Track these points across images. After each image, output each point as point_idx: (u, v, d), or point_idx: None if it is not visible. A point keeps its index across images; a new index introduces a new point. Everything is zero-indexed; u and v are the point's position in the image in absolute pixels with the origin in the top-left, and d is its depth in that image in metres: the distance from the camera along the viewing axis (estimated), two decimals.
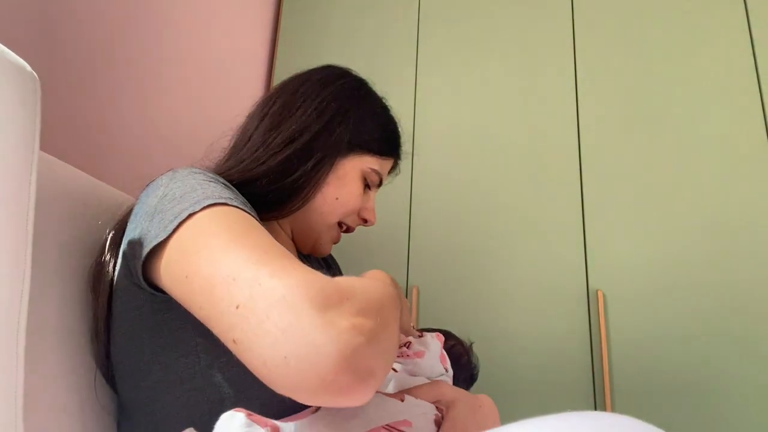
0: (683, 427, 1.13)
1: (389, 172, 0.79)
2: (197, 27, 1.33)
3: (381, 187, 0.80)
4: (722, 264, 1.22)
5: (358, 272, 0.91)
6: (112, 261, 0.55)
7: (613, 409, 1.18)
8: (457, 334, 0.84)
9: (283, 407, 0.48)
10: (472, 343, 0.86)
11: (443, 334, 0.74)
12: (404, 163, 1.43)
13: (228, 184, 0.56)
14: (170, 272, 0.45)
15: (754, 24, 1.34)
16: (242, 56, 1.57)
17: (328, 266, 0.88)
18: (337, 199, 0.69)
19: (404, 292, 1.38)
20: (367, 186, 0.73)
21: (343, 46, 1.65)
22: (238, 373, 0.50)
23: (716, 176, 1.28)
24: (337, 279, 0.42)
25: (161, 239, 0.46)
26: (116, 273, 0.54)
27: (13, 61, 0.43)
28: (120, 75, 1.04)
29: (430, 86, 1.54)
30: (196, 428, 0.45)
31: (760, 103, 1.29)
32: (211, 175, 0.55)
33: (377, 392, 0.53)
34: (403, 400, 0.52)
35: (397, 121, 0.77)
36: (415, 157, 1.48)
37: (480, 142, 1.47)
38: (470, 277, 1.36)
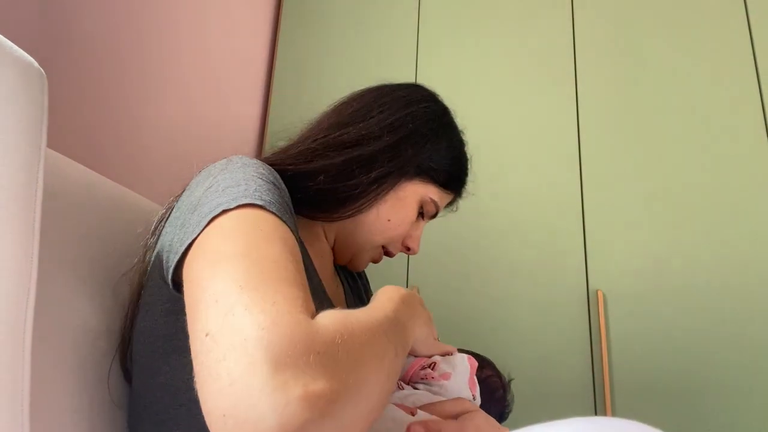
0: (683, 427, 1.14)
1: (446, 206, 0.77)
2: (199, 26, 1.33)
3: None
4: (722, 264, 1.22)
5: None
6: (150, 250, 0.54)
7: (613, 409, 1.18)
8: (495, 366, 0.79)
9: None
10: (511, 380, 0.80)
11: (480, 361, 0.69)
12: None
13: (278, 179, 0.55)
14: (186, 274, 0.44)
15: (754, 24, 1.35)
16: (244, 54, 1.57)
17: (359, 276, 0.86)
18: (389, 220, 0.67)
19: None
20: (420, 215, 0.71)
21: (343, 46, 1.65)
22: None
23: (716, 176, 1.28)
24: (322, 320, 0.37)
25: (194, 237, 0.45)
26: (150, 264, 0.53)
27: (21, 58, 0.42)
28: (125, 73, 1.04)
29: (430, 84, 1.54)
30: None
31: (760, 103, 1.30)
32: (265, 168, 0.54)
33: (391, 404, 0.51)
34: (414, 414, 0.51)
35: (469, 158, 0.76)
36: None
37: (480, 142, 1.47)
38: (470, 277, 1.36)
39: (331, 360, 0.34)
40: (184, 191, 0.56)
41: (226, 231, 0.43)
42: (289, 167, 0.61)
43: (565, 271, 1.31)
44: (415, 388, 0.58)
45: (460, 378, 0.59)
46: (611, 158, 1.36)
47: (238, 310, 0.35)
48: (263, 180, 0.50)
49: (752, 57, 1.34)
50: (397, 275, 1.40)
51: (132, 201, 0.64)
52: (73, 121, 0.89)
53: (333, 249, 0.72)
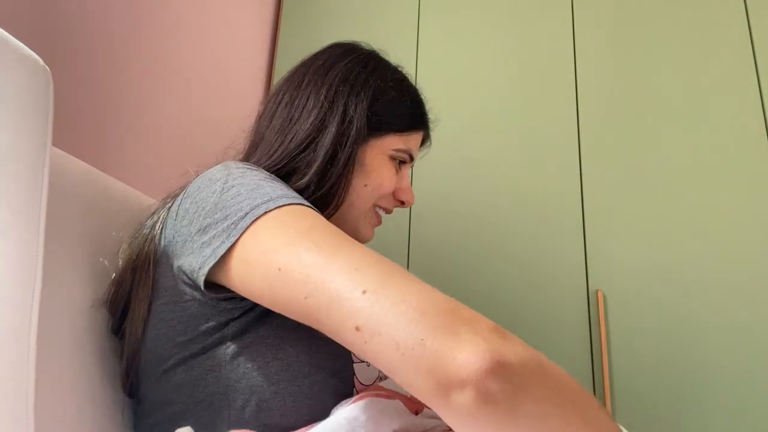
0: (683, 426, 1.14)
1: (421, 145, 0.74)
2: (200, 25, 1.33)
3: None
4: (722, 264, 1.23)
5: None
6: (151, 258, 0.52)
7: (613, 409, 1.18)
8: None
9: (300, 419, 0.47)
10: None
11: None
12: None
13: (275, 178, 0.54)
14: (251, 269, 0.43)
15: (754, 24, 1.35)
16: (244, 54, 1.57)
17: None
18: (365, 186, 0.65)
19: None
20: (400, 164, 0.69)
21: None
22: (261, 383, 0.48)
23: (716, 176, 1.29)
24: None
25: (235, 238, 0.44)
26: (158, 271, 0.52)
27: (27, 55, 0.42)
28: (128, 72, 1.04)
29: (430, 83, 1.54)
30: None
31: (760, 103, 1.30)
32: (262, 171, 0.53)
33: (397, 399, 0.51)
34: (417, 413, 0.51)
35: (416, 89, 0.72)
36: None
37: (480, 141, 1.47)
38: (470, 276, 1.36)
39: (510, 339, 0.37)
40: (177, 198, 0.54)
41: (293, 224, 0.43)
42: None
43: (565, 271, 1.31)
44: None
45: None
46: (611, 158, 1.37)
47: (394, 272, 0.37)
48: (274, 180, 0.50)
49: (752, 57, 1.34)
50: None
51: (137, 199, 0.64)
52: (78, 120, 0.89)
53: None
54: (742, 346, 1.17)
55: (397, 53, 1.71)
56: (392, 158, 0.67)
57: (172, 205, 0.55)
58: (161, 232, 0.54)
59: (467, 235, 1.40)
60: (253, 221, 0.44)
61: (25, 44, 0.43)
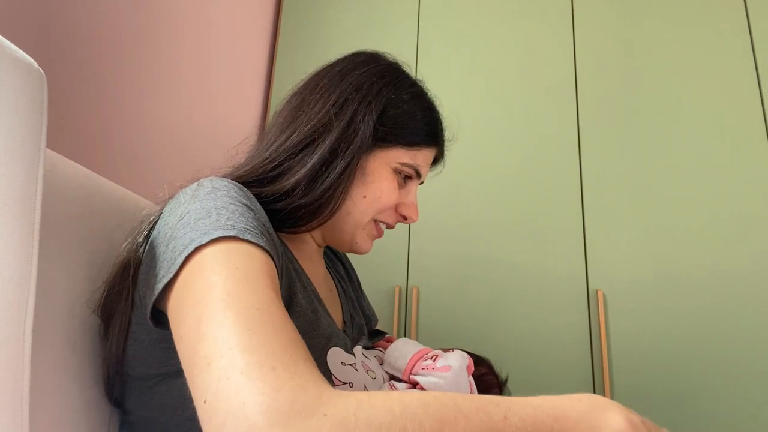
0: (683, 426, 1.14)
1: (433, 164, 0.73)
2: (199, 26, 1.33)
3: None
4: (722, 264, 1.22)
5: (359, 274, 0.90)
6: (131, 271, 0.52)
7: None
8: (492, 365, 0.77)
9: None
10: (506, 379, 0.78)
11: (476, 359, 0.68)
12: None
13: (250, 197, 0.53)
14: (172, 321, 0.43)
15: (754, 24, 1.35)
16: (244, 54, 1.57)
17: (349, 277, 0.84)
18: (365, 197, 0.64)
19: (404, 292, 1.38)
20: (405, 179, 0.67)
21: (343, 47, 1.65)
22: None
23: (716, 176, 1.28)
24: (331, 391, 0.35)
25: (169, 278, 0.43)
26: (137, 290, 0.51)
27: (21, 59, 0.42)
28: (125, 73, 1.04)
29: (429, 83, 1.54)
30: None
31: (760, 102, 1.30)
32: (235, 189, 0.52)
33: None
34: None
35: (433, 105, 0.71)
36: None
37: (480, 141, 1.47)
38: (470, 277, 1.36)
39: (341, 423, 0.32)
40: (162, 212, 0.54)
41: (204, 275, 0.42)
42: (262, 190, 0.59)
43: (565, 271, 1.31)
44: (414, 384, 0.58)
45: (460, 372, 0.58)
46: (611, 158, 1.36)
47: (234, 374, 0.34)
48: (235, 204, 0.49)
49: (752, 57, 1.34)
50: (397, 275, 1.40)
51: (132, 202, 0.64)
52: (73, 122, 0.90)
53: (328, 242, 0.70)
54: (742, 345, 1.16)
55: (397, 53, 1.71)
56: (396, 171, 0.66)
57: (156, 219, 0.54)
58: (144, 245, 0.53)
59: (467, 235, 1.39)
60: (185, 260, 0.44)
61: (19, 47, 0.44)
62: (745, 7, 1.37)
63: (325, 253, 0.81)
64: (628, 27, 1.45)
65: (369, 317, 0.82)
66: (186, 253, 0.43)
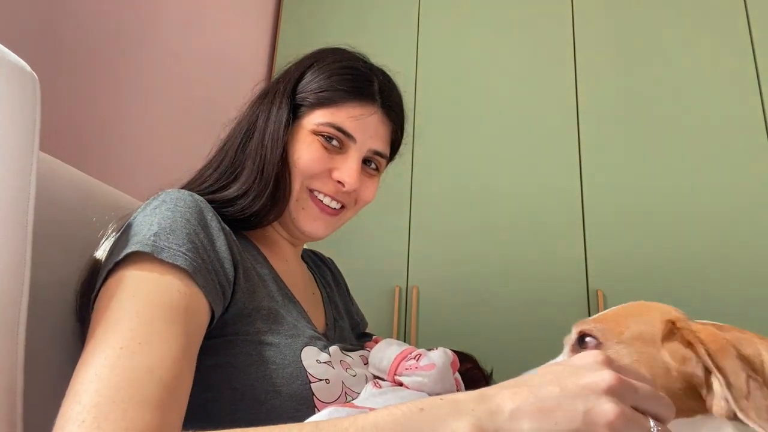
0: None
1: (389, 124, 0.68)
2: (199, 26, 1.33)
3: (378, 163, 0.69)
4: (722, 264, 1.22)
5: (359, 274, 0.90)
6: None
7: None
8: (476, 359, 0.77)
9: None
10: (491, 371, 0.77)
11: (460, 356, 0.66)
12: (403, 165, 1.44)
13: (202, 210, 0.54)
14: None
15: (754, 24, 1.34)
16: (244, 54, 1.57)
17: (337, 284, 0.83)
18: (295, 167, 0.63)
19: (404, 292, 1.38)
20: (335, 146, 0.63)
21: (343, 46, 1.65)
22: (218, 413, 0.49)
23: (716, 175, 1.28)
24: None
25: (95, 292, 0.47)
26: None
27: (13, 62, 0.43)
28: (119, 75, 1.04)
29: (430, 82, 1.54)
30: None
31: (761, 103, 1.29)
32: (188, 200, 0.53)
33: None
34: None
35: (351, 62, 0.68)
36: (414, 158, 1.48)
37: (480, 141, 1.47)
38: (470, 277, 1.36)
39: None
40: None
41: (106, 300, 0.44)
42: (221, 195, 0.60)
43: (565, 271, 1.31)
44: (399, 384, 0.57)
45: (444, 369, 0.57)
46: (611, 158, 1.36)
47: (68, 426, 0.36)
48: (175, 217, 0.50)
49: (752, 56, 1.33)
50: (397, 275, 1.40)
51: (125, 204, 0.65)
52: (67, 124, 0.90)
53: (291, 235, 0.69)
54: None
55: (396, 53, 1.72)
56: (315, 133, 0.63)
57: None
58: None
59: (467, 235, 1.39)
60: (107, 275, 0.46)
61: (13, 49, 0.44)
62: (745, 7, 1.36)
63: (311, 259, 0.82)
64: (628, 27, 1.44)
65: (357, 321, 0.82)
66: (107, 268, 0.46)
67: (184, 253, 0.47)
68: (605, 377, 0.33)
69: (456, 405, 0.34)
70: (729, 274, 1.21)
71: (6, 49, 0.43)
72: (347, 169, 0.63)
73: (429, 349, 0.61)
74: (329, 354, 0.56)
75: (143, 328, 0.41)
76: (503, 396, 0.34)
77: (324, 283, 0.79)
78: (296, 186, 0.63)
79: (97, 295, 0.46)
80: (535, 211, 1.38)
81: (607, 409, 0.31)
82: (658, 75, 1.39)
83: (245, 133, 0.64)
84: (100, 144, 0.98)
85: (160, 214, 0.50)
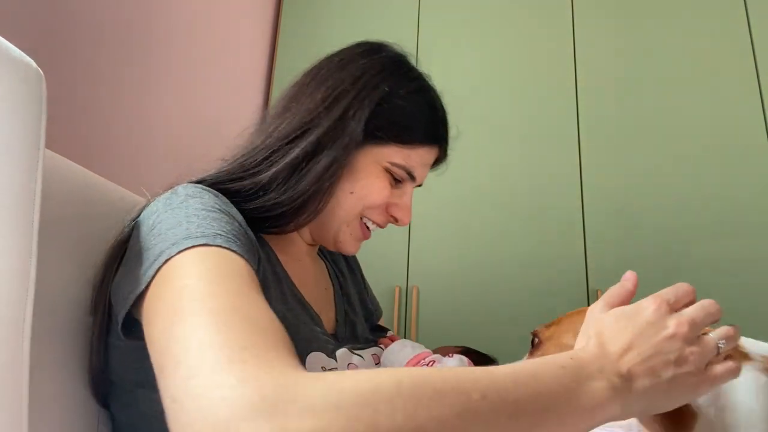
0: None
1: (436, 163, 0.69)
2: (199, 26, 1.33)
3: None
4: (722, 264, 1.22)
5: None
6: (110, 282, 0.51)
7: None
8: (497, 361, 0.75)
9: None
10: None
11: (481, 357, 0.66)
12: None
13: (225, 203, 0.52)
14: (145, 328, 0.42)
15: (754, 24, 1.35)
16: (244, 53, 1.57)
17: (351, 271, 0.82)
18: (351, 193, 0.61)
19: (404, 292, 1.38)
20: (397, 181, 0.63)
21: (342, 46, 1.65)
22: None
23: (716, 175, 1.28)
24: (303, 380, 0.33)
25: (140, 291, 0.43)
26: (113, 296, 0.50)
27: (19, 58, 0.42)
28: (124, 73, 1.04)
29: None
30: None
31: (761, 103, 1.30)
32: (209, 195, 0.51)
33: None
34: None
35: (434, 102, 0.66)
36: None
37: (480, 140, 1.47)
38: (470, 277, 1.36)
39: (310, 410, 0.30)
40: (138, 219, 0.52)
41: (174, 282, 0.41)
42: (242, 184, 0.57)
43: (565, 271, 1.31)
44: None
45: None
46: (611, 158, 1.36)
47: (202, 371, 0.33)
48: (207, 210, 0.48)
49: (752, 56, 1.33)
50: (398, 275, 1.40)
51: (131, 202, 0.64)
52: (72, 122, 0.90)
53: (315, 240, 0.68)
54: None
55: (396, 41, 1.71)
56: (387, 171, 0.62)
57: (133, 225, 0.53)
58: (123, 250, 0.52)
59: (467, 235, 1.39)
60: (156, 271, 0.43)
61: (18, 46, 0.44)
62: (745, 6, 1.37)
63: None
64: (628, 26, 1.45)
65: (371, 311, 0.80)
66: (156, 266, 0.43)
67: (234, 239, 0.46)
68: (671, 326, 0.42)
69: (587, 366, 0.39)
70: (730, 274, 1.21)
71: (12, 46, 0.43)
72: (404, 208, 0.65)
73: (445, 355, 0.60)
74: (336, 359, 0.56)
75: (225, 296, 0.39)
76: (623, 360, 0.40)
77: (337, 271, 0.77)
78: (353, 213, 0.62)
79: (144, 292, 0.43)
80: (535, 211, 1.38)
81: (687, 353, 0.41)
82: (659, 75, 1.39)
83: (300, 126, 0.59)
84: (106, 142, 0.98)
85: (189, 208, 0.48)
